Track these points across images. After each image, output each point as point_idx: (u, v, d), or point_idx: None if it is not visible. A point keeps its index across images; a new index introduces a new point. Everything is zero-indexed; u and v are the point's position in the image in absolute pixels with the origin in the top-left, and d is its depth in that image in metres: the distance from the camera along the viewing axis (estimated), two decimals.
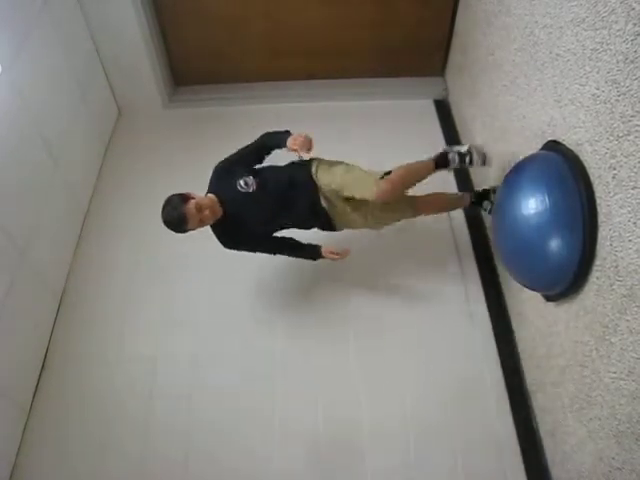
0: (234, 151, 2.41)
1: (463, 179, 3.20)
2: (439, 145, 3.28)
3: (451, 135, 3.42)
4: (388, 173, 2.33)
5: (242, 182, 2.33)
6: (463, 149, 2.61)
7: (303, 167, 2.43)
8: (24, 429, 2.40)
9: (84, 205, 3.15)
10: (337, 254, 2.43)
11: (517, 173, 2.05)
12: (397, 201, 2.46)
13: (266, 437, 2.36)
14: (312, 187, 2.40)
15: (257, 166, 2.44)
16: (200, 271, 2.88)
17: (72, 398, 2.49)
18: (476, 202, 2.70)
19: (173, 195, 2.25)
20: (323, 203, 2.41)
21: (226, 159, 2.40)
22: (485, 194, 2.66)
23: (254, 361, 2.57)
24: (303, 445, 2.34)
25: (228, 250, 2.43)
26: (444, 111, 3.61)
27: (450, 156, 2.58)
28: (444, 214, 2.97)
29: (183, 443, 2.36)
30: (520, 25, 2.31)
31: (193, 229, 2.26)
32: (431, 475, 2.26)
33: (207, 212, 2.22)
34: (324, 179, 2.38)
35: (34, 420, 2.43)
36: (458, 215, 3.03)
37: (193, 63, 3.68)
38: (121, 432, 2.39)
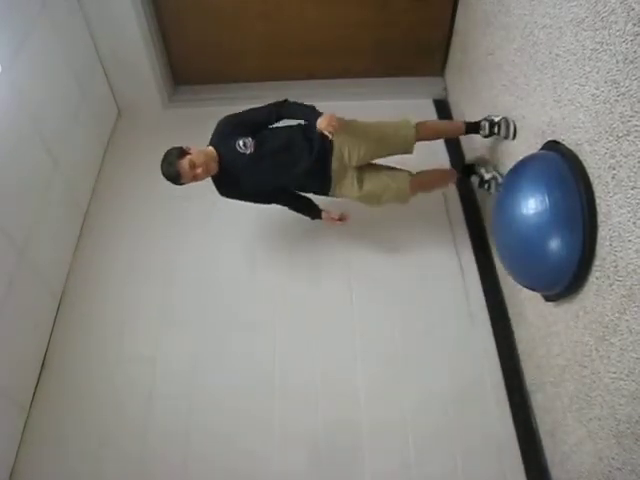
0: (245, 109, 2.45)
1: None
2: (438, 145, 3.29)
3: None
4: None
5: (241, 142, 2.35)
6: (497, 119, 2.56)
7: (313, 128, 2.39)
8: (24, 428, 2.40)
9: (83, 205, 3.15)
10: (338, 219, 2.54)
11: (517, 173, 2.05)
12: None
13: (266, 437, 2.36)
14: (326, 147, 2.41)
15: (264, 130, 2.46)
16: (200, 271, 2.88)
17: (72, 398, 2.49)
18: (465, 175, 2.86)
19: (172, 149, 2.31)
20: (334, 165, 2.44)
21: (234, 115, 2.43)
22: (471, 168, 2.81)
23: (254, 361, 2.57)
24: (303, 446, 2.34)
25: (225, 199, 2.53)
26: (444, 111, 3.60)
27: (482, 123, 2.62)
28: (441, 204, 3.02)
29: (182, 443, 2.36)
30: (520, 25, 2.31)
31: (189, 182, 2.33)
32: (431, 475, 2.26)
33: (199, 170, 2.27)
34: (351, 140, 2.42)
35: (34, 419, 2.43)
36: (458, 217, 3.03)
37: (193, 63, 3.67)
38: (120, 432, 2.39)
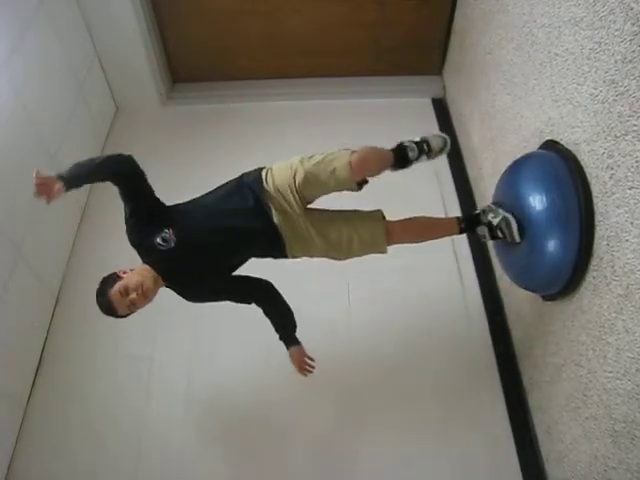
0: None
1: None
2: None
3: (448, 133, 3.40)
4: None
5: (159, 239, 1.92)
6: (417, 139, 2.16)
7: (246, 183, 2.04)
8: (21, 426, 2.40)
9: (81, 202, 3.14)
10: (304, 367, 2.08)
11: (514, 172, 2.05)
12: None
13: (263, 436, 2.36)
14: (260, 203, 1.99)
15: (172, 211, 2.04)
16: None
17: (69, 395, 2.49)
18: (467, 228, 2.18)
19: (104, 278, 1.94)
20: (275, 219, 1.99)
21: (129, 217, 2.02)
22: (476, 219, 2.13)
23: (252, 361, 2.57)
24: (299, 446, 2.34)
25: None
26: (442, 110, 3.61)
27: (407, 144, 2.13)
28: (440, 203, 3.00)
29: (179, 442, 2.36)
30: (518, 24, 2.31)
31: (129, 312, 1.91)
32: (427, 474, 2.26)
33: (134, 295, 1.83)
34: (280, 177, 2.00)
35: (31, 417, 2.43)
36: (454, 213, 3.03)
37: (191, 60, 3.67)
38: (117, 429, 2.39)
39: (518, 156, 2.14)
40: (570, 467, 1.97)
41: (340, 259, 2.14)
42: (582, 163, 1.78)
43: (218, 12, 3.34)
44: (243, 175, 2.08)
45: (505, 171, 2.13)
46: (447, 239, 2.86)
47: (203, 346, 2.62)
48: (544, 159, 1.96)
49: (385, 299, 2.73)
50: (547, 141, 2.02)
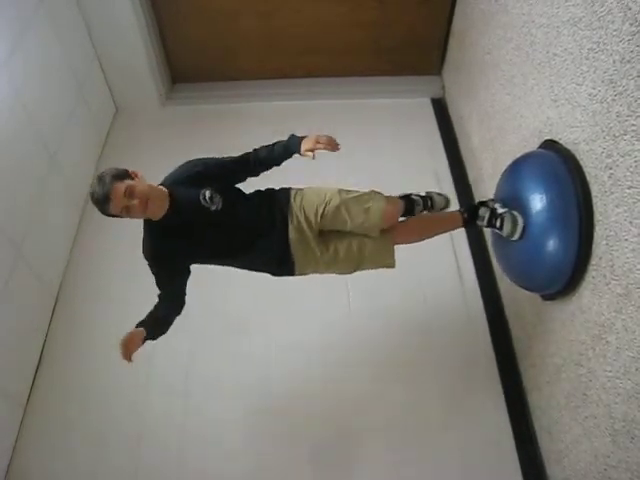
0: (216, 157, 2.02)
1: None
2: (436, 144, 3.28)
3: (448, 133, 3.43)
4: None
5: (208, 193, 1.90)
6: (422, 193, 2.27)
7: (274, 193, 2.09)
8: (20, 425, 2.40)
9: (81, 202, 3.14)
10: (127, 352, 1.84)
11: (514, 172, 2.06)
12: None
13: (262, 436, 2.36)
14: (283, 218, 2.01)
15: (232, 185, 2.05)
16: (199, 268, 2.87)
17: (68, 395, 2.49)
18: (470, 218, 2.16)
19: (111, 169, 1.81)
20: (291, 235, 2.00)
21: (204, 159, 2.01)
22: (481, 204, 2.18)
23: (251, 361, 2.57)
24: (299, 445, 2.34)
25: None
26: (441, 110, 3.61)
27: (414, 198, 2.22)
28: None
29: (179, 441, 2.36)
30: (517, 24, 2.31)
31: (117, 215, 1.82)
32: (427, 473, 2.26)
33: (136, 202, 1.75)
34: (310, 199, 2.02)
35: (31, 416, 2.43)
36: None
37: (191, 60, 3.67)
38: (118, 427, 2.39)
39: (517, 156, 2.15)
40: (570, 466, 1.97)
41: (349, 273, 2.13)
42: (581, 163, 1.78)
43: (218, 12, 3.34)
44: (273, 190, 2.11)
45: (504, 171, 2.14)
46: (447, 240, 2.89)
47: (202, 345, 2.62)
48: (543, 159, 1.96)
49: (385, 299, 2.73)
50: (546, 141, 2.03)
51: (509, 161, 2.18)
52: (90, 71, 3.34)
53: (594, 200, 1.71)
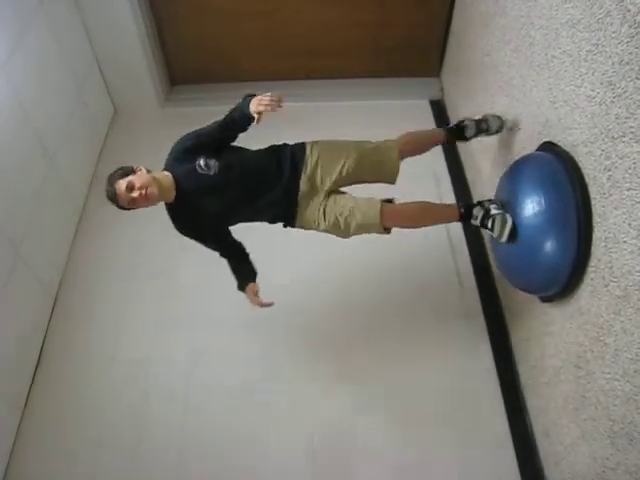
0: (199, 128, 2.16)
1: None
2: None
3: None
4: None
5: (202, 162, 2.05)
6: (477, 117, 2.40)
7: (290, 148, 2.21)
8: (19, 426, 2.40)
9: (80, 203, 3.14)
10: (259, 302, 2.18)
11: (512, 174, 2.06)
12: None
13: (263, 437, 2.35)
14: (297, 164, 2.14)
15: (227, 146, 2.17)
16: (198, 270, 2.87)
17: (67, 395, 2.48)
18: (466, 216, 2.20)
19: (119, 168, 2.04)
20: (302, 186, 2.13)
21: (189, 134, 2.15)
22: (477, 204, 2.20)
23: (250, 361, 2.57)
24: (299, 445, 2.34)
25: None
26: (440, 111, 3.61)
27: (467, 122, 2.38)
28: None
29: (179, 442, 2.36)
30: (516, 26, 2.31)
31: (132, 208, 2.02)
32: (425, 475, 2.26)
33: (135, 194, 1.95)
34: (327, 158, 2.15)
35: (28, 419, 2.42)
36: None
37: (190, 62, 3.67)
38: (117, 430, 2.39)
39: (516, 158, 2.15)
40: (569, 469, 1.97)
41: (344, 236, 2.19)
42: (580, 165, 1.78)
43: (217, 13, 3.34)
44: (286, 144, 2.24)
45: (503, 173, 2.14)
46: (446, 240, 2.90)
47: (203, 346, 2.62)
48: (542, 161, 1.96)
49: (381, 298, 2.73)
50: (545, 143, 2.03)
51: (508, 163, 2.18)
52: (89, 72, 3.34)
53: (593, 202, 1.71)
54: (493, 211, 2.05)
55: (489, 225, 2.04)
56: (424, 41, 3.53)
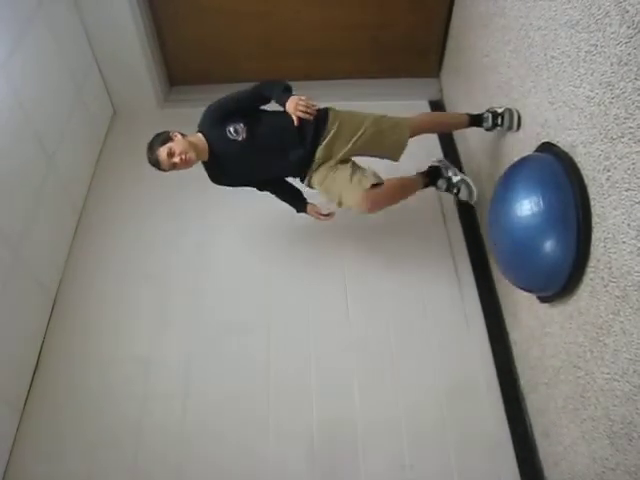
0: (230, 94, 2.42)
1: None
2: (434, 146, 3.29)
3: (445, 135, 3.42)
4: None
5: (231, 128, 2.31)
6: (500, 110, 2.47)
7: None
8: (17, 429, 2.39)
9: (79, 205, 3.14)
10: (322, 215, 2.52)
11: (511, 175, 2.06)
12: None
13: (262, 437, 2.35)
14: (319, 132, 2.38)
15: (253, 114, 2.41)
16: (195, 271, 2.87)
17: (66, 398, 2.48)
18: (430, 183, 2.62)
19: (158, 134, 2.32)
20: (318, 153, 2.38)
21: (220, 100, 2.40)
22: (436, 173, 2.62)
23: (249, 361, 2.56)
24: (299, 446, 2.33)
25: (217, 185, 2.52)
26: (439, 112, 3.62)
27: (484, 115, 2.54)
28: (437, 207, 3.04)
29: (178, 443, 2.35)
30: (515, 27, 2.31)
31: (169, 170, 2.30)
32: (424, 476, 2.26)
33: (177, 159, 2.23)
34: (346, 129, 2.37)
35: (27, 420, 2.42)
36: (454, 219, 3.04)
37: (189, 63, 3.67)
38: (115, 432, 2.38)
39: (515, 159, 2.15)
40: (568, 469, 1.97)
41: (353, 204, 2.40)
42: (579, 165, 1.78)
43: (216, 14, 3.34)
44: None
45: (503, 174, 2.14)
46: (446, 240, 2.90)
47: (201, 347, 2.61)
48: (541, 161, 1.96)
49: (380, 299, 2.73)
50: (544, 143, 2.03)
51: (507, 163, 2.18)
52: (88, 73, 3.34)
53: (592, 202, 1.71)
54: (454, 179, 2.57)
55: (454, 191, 2.58)
56: (423, 42, 3.53)
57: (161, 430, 2.39)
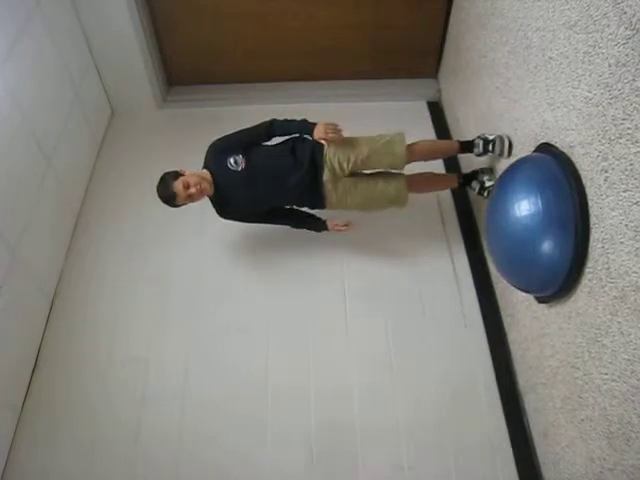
0: (235, 130, 2.52)
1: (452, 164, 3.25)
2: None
3: (444, 136, 3.43)
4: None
5: (232, 160, 2.43)
6: (491, 137, 2.56)
7: (308, 142, 2.50)
8: (15, 430, 2.38)
9: (77, 205, 3.13)
10: (343, 226, 2.57)
11: (510, 175, 2.06)
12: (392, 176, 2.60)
13: (259, 440, 2.35)
14: (316, 158, 2.47)
15: (251, 146, 2.50)
16: (193, 273, 2.87)
17: (64, 399, 2.47)
18: (464, 183, 2.78)
19: (166, 173, 2.43)
20: (325, 177, 2.48)
21: (223, 137, 2.51)
22: (473, 175, 2.74)
23: (247, 364, 2.56)
24: (297, 448, 2.33)
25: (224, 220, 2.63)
26: (437, 113, 3.62)
27: (475, 141, 2.63)
28: (435, 208, 3.03)
29: (174, 445, 2.35)
30: (513, 28, 2.32)
31: (185, 204, 2.45)
32: (424, 477, 2.26)
33: (193, 190, 2.36)
34: (343, 149, 2.46)
35: (25, 421, 2.41)
36: (452, 221, 3.04)
37: (187, 63, 3.66)
38: (112, 434, 2.38)
39: (513, 159, 2.15)
40: (566, 469, 1.97)
41: (370, 212, 2.65)
42: (577, 166, 1.79)
43: (215, 15, 3.34)
44: (305, 138, 2.53)
45: (501, 174, 2.14)
46: (445, 246, 2.90)
47: (199, 349, 2.61)
48: (539, 162, 1.96)
49: (379, 301, 2.73)
50: (542, 144, 2.03)
51: (505, 164, 2.18)
52: (86, 73, 3.33)
53: (590, 203, 1.72)
54: (487, 183, 2.63)
55: (485, 195, 2.63)
56: (422, 42, 3.53)
57: (158, 432, 2.38)
